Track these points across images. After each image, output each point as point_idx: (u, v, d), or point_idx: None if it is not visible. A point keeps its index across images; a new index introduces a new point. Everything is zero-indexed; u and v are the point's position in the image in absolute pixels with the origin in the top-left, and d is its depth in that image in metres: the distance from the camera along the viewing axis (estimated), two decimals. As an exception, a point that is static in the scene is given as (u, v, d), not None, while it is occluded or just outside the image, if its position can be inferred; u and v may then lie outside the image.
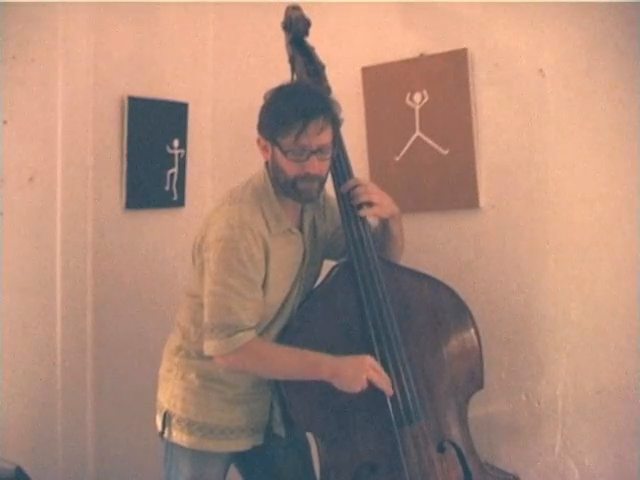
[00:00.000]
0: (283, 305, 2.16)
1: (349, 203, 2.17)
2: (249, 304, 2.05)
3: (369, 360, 2.06)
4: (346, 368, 2.04)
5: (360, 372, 2.03)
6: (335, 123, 2.06)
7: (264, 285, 2.09)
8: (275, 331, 2.14)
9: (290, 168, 2.03)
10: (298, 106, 2.00)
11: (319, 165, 2.03)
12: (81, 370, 2.75)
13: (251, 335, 2.05)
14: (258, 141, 2.12)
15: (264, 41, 2.90)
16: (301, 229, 2.19)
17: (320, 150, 2.02)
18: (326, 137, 2.03)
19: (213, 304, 2.05)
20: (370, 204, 2.16)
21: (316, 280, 2.28)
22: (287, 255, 2.14)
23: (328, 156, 2.06)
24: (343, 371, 2.04)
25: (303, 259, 2.18)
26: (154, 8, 2.89)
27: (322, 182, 2.10)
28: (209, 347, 2.06)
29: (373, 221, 2.24)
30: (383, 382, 2.06)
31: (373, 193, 2.17)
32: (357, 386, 2.03)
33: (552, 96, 2.41)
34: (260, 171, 2.17)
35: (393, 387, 2.08)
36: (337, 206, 2.20)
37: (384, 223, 2.23)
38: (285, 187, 2.08)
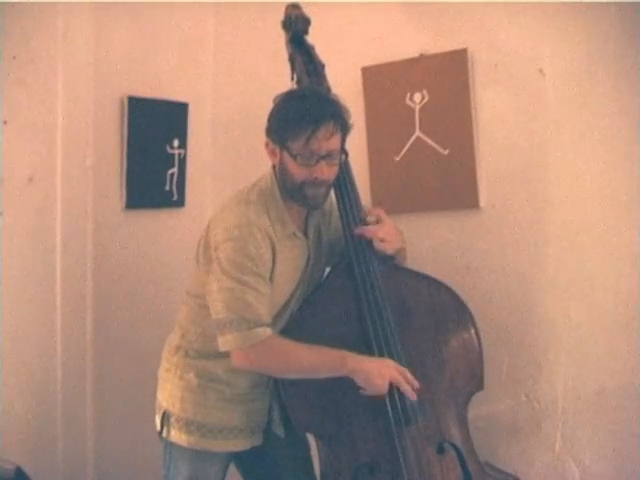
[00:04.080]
0: (283, 308, 2.15)
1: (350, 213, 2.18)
2: (265, 299, 2.03)
3: (392, 362, 2.07)
4: (371, 364, 2.04)
5: (385, 369, 2.03)
6: (344, 129, 2.07)
7: None
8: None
9: (298, 173, 2.03)
10: (309, 110, 2.00)
11: (327, 170, 2.04)
12: (81, 370, 2.75)
13: (270, 331, 2.03)
14: (266, 145, 2.11)
15: (264, 41, 2.90)
16: (306, 234, 2.19)
17: (329, 155, 2.03)
18: (335, 142, 2.04)
19: (230, 299, 2.01)
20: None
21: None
22: (291, 259, 2.13)
23: (337, 162, 2.07)
24: (368, 366, 2.03)
25: (307, 264, 2.18)
26: (154, 8, 2.89)
27: (329, 188, 2.10)
28: (227, 341, 2.02)
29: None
30: (407, 386, 2.05)
31: (382, 232, 2.17)
32: (381, 382, 2.02)
33: (552, 96, 2.41)
34: (267, 174, 2.16)
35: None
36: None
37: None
38: (292, 192, 2.08)
